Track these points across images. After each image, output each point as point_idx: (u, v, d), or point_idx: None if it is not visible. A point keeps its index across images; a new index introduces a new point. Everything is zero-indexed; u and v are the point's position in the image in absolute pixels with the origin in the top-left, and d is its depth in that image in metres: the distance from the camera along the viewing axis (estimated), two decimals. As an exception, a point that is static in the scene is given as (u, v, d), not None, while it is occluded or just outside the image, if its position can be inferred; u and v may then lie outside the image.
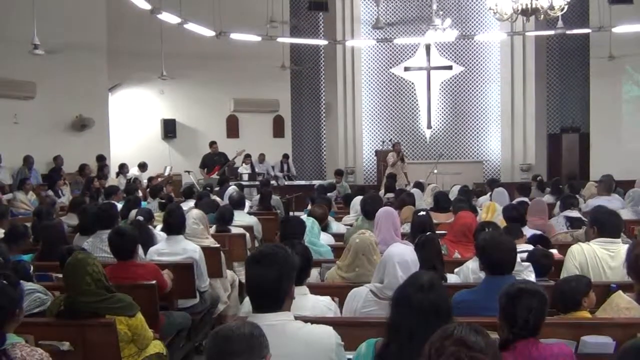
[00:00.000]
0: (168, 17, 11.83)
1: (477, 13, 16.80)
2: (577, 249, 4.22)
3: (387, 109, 17.28)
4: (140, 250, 4.75)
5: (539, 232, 5.42)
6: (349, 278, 4.00)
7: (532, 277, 3.91)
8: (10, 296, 2.65)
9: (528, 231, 5.40)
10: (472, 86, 17.09)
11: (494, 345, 1.91)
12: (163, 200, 8.32)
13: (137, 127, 15.21)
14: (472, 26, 16.80)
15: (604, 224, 4.23)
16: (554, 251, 4.72)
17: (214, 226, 6.62)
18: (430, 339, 1.86)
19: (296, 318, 2.61)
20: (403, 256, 3.31)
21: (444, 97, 17.13)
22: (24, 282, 3.50)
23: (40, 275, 4.53)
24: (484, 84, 17.09)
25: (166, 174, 13.45)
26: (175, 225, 5.29)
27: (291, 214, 9.51)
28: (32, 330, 3.27)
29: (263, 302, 2.52)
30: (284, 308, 2.55)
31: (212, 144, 13.87)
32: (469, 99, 17.11)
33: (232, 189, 9.57)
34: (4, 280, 2.71)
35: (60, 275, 4.03)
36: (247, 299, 3.20)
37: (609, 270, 4.10)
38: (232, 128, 16.00)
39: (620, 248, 4.10)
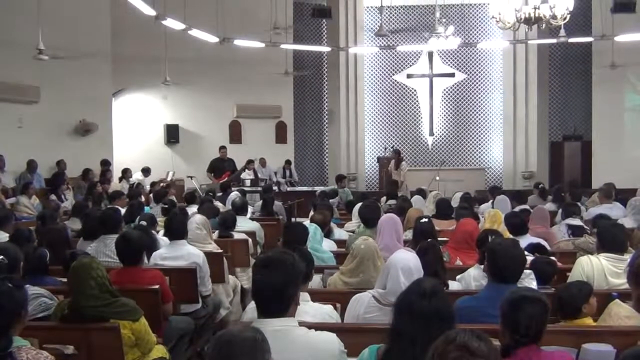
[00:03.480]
0: (172, 23, 11.87)
1: (479, 21, 16.85)
2: (586, 261, 4.17)
3: (389, 116, 17.30)
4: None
5: (541, 241, 5.42)
6: (352, 283, 4.02)
7: (533, 284, 3.91)
8: (16, 299, 2.67)
9: (529, 239, 5.41)
10: (475, 94, 17.12)
11: (496, 351, 1.93)
12: (166, 205, 8.33)
13: (140, 132, 15.23)
14: (475, 34, 16.84)
15: (605, 237, 4.20)
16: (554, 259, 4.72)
17: (217, 232, 6.65)
18: (434, 344, 1.88)
19: (300, 324, 2.63)
20: (406, 262, 3.32)
21: (446, 105, 17.16)
22: (29, 287, 3.52)
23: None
24: (486, 91, 17.13)
25: (169, 179, 13.47)
26: (176, 231, 5.31)
27: (293, 220, 9.51)
28: (37, 333, 3.28)
29: (269, 307, 2.55)
30: (289, 314, 2.57)
31: (222, 148, 13.89)
32: (471, 106, 17.14)
33: (234, 194, 9.58)
34: (9, 283, 2.72)
35: (65, 279, 4.05)
36: (249, 306, 3.22)
37: (614, 287, 4.06)
38: (235, 134, 16.01)
39: (626, 264, 3.97)
